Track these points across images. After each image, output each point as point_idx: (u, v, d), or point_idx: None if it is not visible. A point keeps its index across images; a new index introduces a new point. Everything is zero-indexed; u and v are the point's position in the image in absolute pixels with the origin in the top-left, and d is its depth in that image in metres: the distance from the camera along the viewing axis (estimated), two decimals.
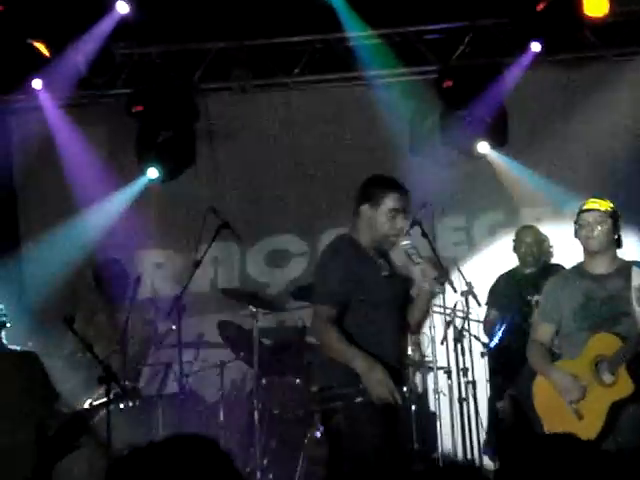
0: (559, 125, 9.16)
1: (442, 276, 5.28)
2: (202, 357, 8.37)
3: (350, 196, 5.55)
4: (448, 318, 7.95)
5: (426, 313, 5.61)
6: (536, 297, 7.44)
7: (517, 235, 8.41)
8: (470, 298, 7.91)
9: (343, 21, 8.90)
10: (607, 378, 5.67)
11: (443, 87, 8.90)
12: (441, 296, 7.70)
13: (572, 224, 5.92)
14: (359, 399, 5.11)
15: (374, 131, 9.25)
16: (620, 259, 5.91)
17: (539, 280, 7.37)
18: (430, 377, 7.98)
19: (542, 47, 8.65)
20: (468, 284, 7.91)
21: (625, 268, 5.81)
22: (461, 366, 7.82)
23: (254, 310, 7.70)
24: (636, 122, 9.08)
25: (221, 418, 7.74)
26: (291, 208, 9.55)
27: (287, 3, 8.57)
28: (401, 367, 5.38)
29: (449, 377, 7.86)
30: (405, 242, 5.35)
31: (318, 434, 7.12)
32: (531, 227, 8.46)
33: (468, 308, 7.91)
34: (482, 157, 9.18)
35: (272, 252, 9.64)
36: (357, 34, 9.05)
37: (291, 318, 8.45)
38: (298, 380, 7.61)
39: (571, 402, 5.68)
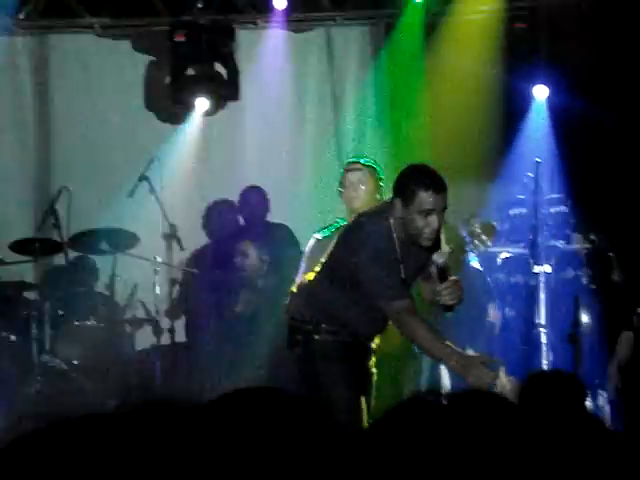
0: None
1: (460, 301, 5.05)
2: None
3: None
4: None
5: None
6: None
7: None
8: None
9: None
10: None
11: (174, 40, 8.64)
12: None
13: None
14: (317, 337, 5.10)
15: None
16: None
17: None
18: None
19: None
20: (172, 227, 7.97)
21: None
22: None
23: None
24: None
25: None
26: None
27: None
28: None
29: None
30: (439, 259, 5.03)
31: None
32: None
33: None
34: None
35: None
36: None
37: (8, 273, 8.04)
38: (13, 337, 7.45)
39: None
